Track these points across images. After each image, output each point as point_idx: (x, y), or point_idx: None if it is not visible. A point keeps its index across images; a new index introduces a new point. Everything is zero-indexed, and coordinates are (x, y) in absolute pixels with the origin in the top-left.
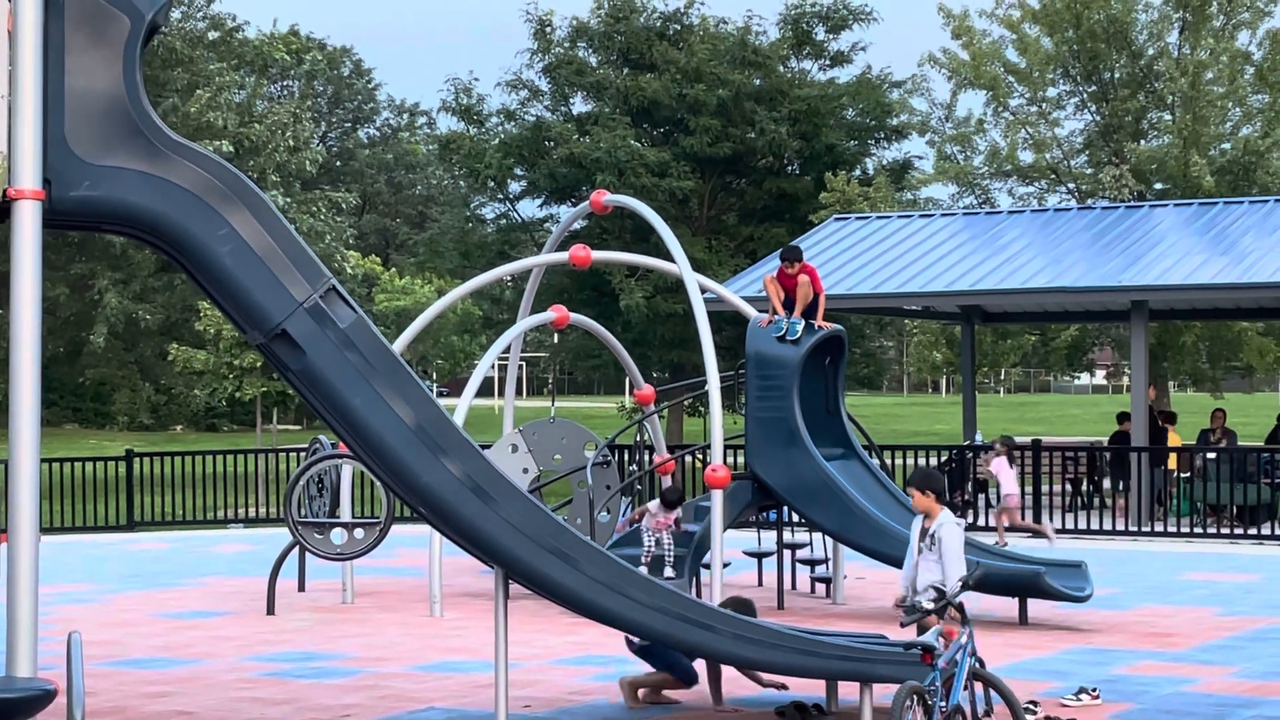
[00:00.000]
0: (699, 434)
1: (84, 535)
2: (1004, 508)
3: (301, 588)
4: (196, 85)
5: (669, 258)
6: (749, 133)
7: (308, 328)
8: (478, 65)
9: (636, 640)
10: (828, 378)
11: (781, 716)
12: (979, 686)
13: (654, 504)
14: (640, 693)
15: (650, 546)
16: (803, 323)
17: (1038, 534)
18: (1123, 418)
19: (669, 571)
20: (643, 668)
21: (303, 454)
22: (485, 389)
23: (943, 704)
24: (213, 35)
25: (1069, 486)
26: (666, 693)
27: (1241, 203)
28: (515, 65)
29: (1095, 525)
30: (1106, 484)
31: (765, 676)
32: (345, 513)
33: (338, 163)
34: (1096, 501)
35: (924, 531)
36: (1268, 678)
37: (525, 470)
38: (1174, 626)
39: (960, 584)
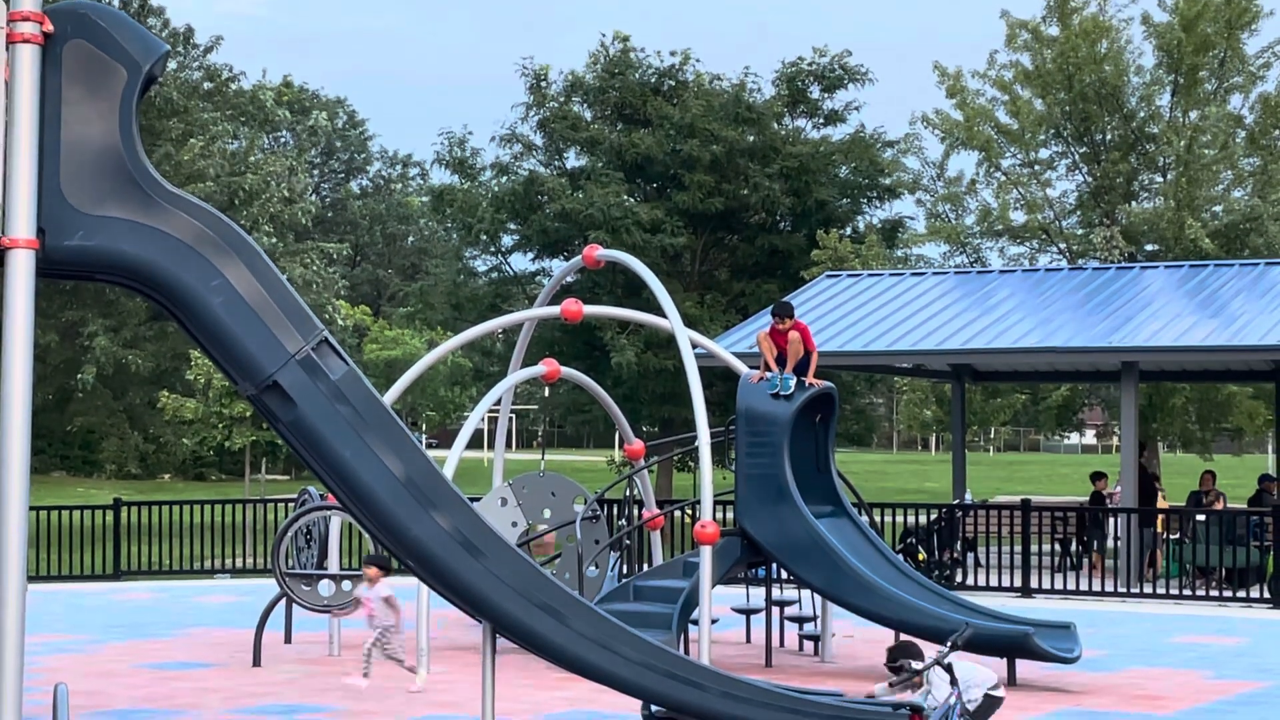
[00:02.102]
0: (688, 489)
1: (70, 584)
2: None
3: (288, 639)
4: (191, 134)
5: (660, 313)
6: (742, 189)
7: (299, 379)
8: (472, 118)
9: (653, 709)
10: (818, 435)
11: None
12: None
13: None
14: None
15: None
16: (795, 378)
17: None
18: (1096, 477)
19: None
20: None
21: (291, 504)
22: (475, 441)
23: None
24: (208, 85)
25: (1058, 547)
26: None
27: (1232, 265)
28: (510, 119)
29: (1084, 586)
30: (1097, 544)
31: None
32: (333, 564)
33: (330, 213)
34: (1085, 562)
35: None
36: None
37: (514, 524)
38: (1163, 689)
39: (950, 644)
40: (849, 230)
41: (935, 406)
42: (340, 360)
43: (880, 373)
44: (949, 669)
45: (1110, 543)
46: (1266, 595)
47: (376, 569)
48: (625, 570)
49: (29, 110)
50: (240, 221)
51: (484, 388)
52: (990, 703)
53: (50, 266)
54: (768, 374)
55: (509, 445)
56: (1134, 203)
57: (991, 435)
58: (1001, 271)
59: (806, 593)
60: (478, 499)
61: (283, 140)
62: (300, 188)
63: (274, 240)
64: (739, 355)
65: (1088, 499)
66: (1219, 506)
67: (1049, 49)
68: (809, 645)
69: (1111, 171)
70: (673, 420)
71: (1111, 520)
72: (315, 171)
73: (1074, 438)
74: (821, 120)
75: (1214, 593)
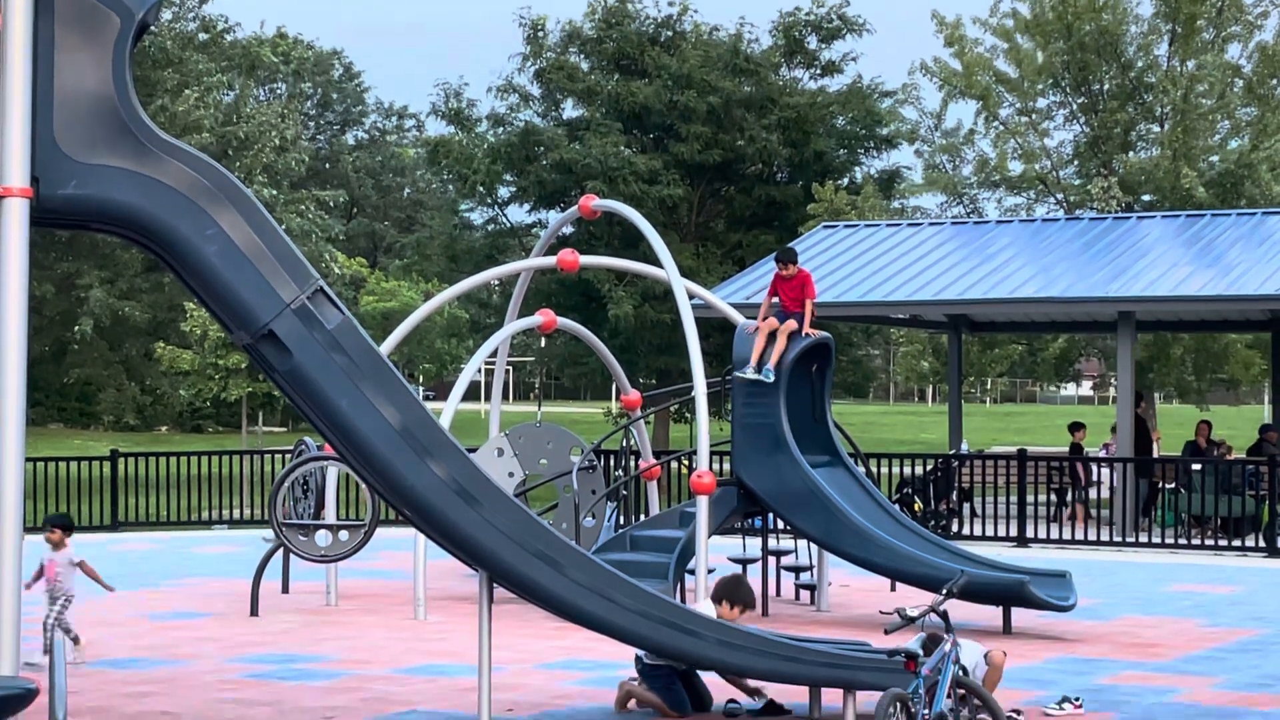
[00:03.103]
0: (685, 440)
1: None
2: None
3: (285, 589)
4: (186, 85)
5: (657, 264)
6: (739, 140)
7: (295, 329)
8: (468, 69)
9: (645, 658)
10: (814, 385)
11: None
12: (962, 694)
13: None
14: (631, 703)
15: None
16: (774, 374)
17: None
18: (1075, 428)
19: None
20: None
21: (288, 456)
22: (472, 393)
23: (926, 711)
24: (203, 37)
25: (1054, 496)
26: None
27: (1229, 215)
28: (507, 69)
29: (1079, 535)
30: (1092, 495)
31: (750, 683)
32: (330, 515)
33: (326, 165)
34: (1081, 512)
35: None
36: (1250, 689)
37: (511, 474)
38: (1157, 637)
39: (945, 592)
40: (845, 181)
41: (932, 358)
42: (336, 310)
43: (877, 323)
44: (944, 616)
45: (1104, 492)
46: (1262, 544)
47: (60, 531)
48: (622, 520)
49: (22, 58)
50: (234, 171)
51: (480, 339)
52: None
53: (44, 215)
54: (755, 374)
55: (505, 397)
56: (1131, 153)
57: (988, 386)
58: (998, 222)
59: (803, 542)
60: (475, 450)
61: (278, 91)
62: (292, 134)
63: (271, 191)
64: (736, 306)
65: (1069, 449)
66: (1230, 457)
67: None
68: (805, 595)
69: (1109, 121)
70: (670, 371)
71: (1095, 470)
72: (311, 124)
73: (1070, 389)
74: (819, 71)
75: (1210, 542)
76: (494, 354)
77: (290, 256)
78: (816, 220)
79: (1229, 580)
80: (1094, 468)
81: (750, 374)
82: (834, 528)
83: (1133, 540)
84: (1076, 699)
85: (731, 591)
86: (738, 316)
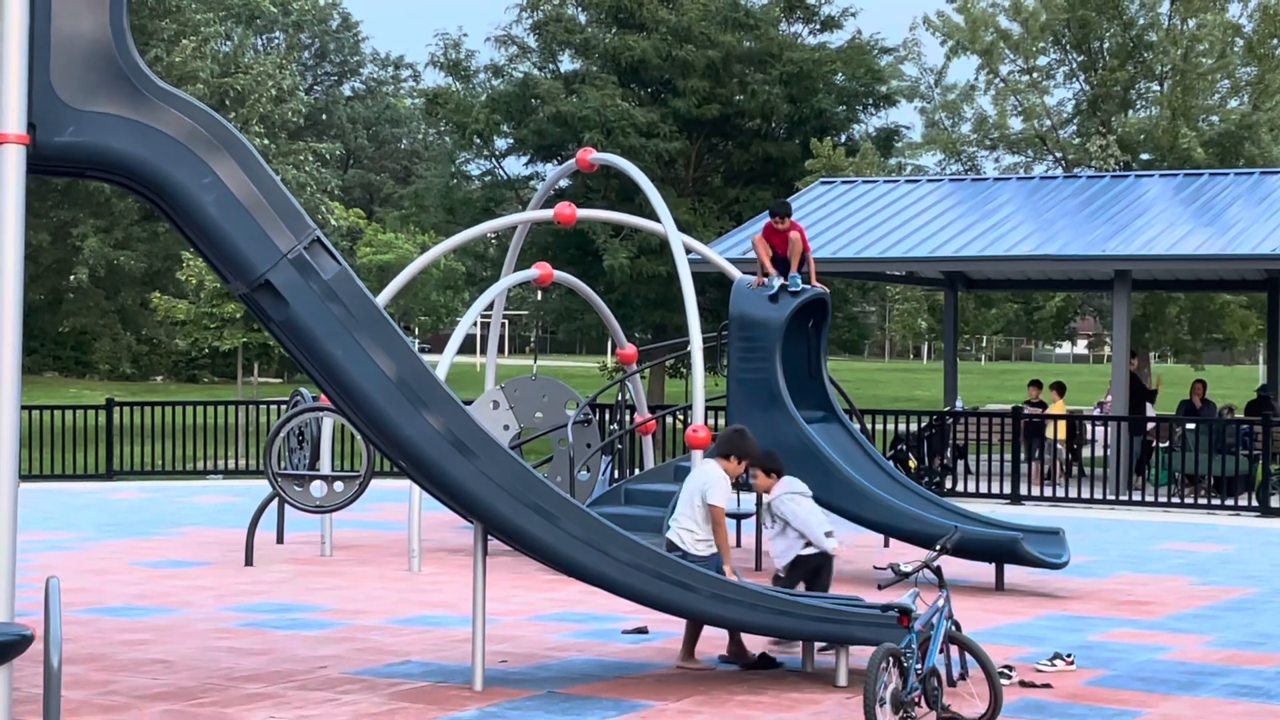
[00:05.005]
0: (680, 395)
1: (63, 483)
2: None
3: (280, 540)
4: (183, 35)
5: (654, 218)
6: (737, 95)
7: (291, 278)
8: (466, 20)
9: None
10: (810, 341)
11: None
12: (954, 650)
13: None
14: (695, 653)
15: None
16: (800, 277)
17: None
18: (1032, 384)
19: None
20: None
21: (283, 406)
22: (467, 346)
23: (918, 666)
24: None
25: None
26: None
27: (1227, 174)
28: (504, 21)
29: (1073, 493)
30: (1086, 453)
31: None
32: (325, 466)
33: (322, 116)
34: (1075, 470)
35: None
36: (1241, 647)
37: (506, 427)
38: (1149, 595)
39: (939, 548)
40: (844, 138)
41: (929, 315)
42: (332, 259)
43: (873, 280)
44: (937, 572)
45: (1099, 450)
46: (1254, 503)
47: None
48: (616, 474)
49: (19, 3)
50: (231, 122)
51: (476, 292)
52: (802, 563)
53: (41, 162)
54: (765, 279)
55: (501, 350)
56: (1130, 112)
57: (983, 344)
58: (997, 179)
59: None
60: (470, 403)
61: (275, 41)
62: (290, 85)
63: (265, 142)
64: (732, 261)
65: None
66: (1228, 416)
67: None
68: None
69: (1109, 80)
70: (665, 326)
71: (1090, 428)
72: (308, 75)
73: (1065, 347)
74: (819, 26)
75: (1202, 501)
76: (490, 307)
77: (287, 206)
78: (814, 176)
79: (1221, 539)
80: (1089, 426)
81: (797, 284)
82: (828, 483)
83: (1126, 498)
84: (1068, 655)
85: (738, 445)
86: (734, 271)
